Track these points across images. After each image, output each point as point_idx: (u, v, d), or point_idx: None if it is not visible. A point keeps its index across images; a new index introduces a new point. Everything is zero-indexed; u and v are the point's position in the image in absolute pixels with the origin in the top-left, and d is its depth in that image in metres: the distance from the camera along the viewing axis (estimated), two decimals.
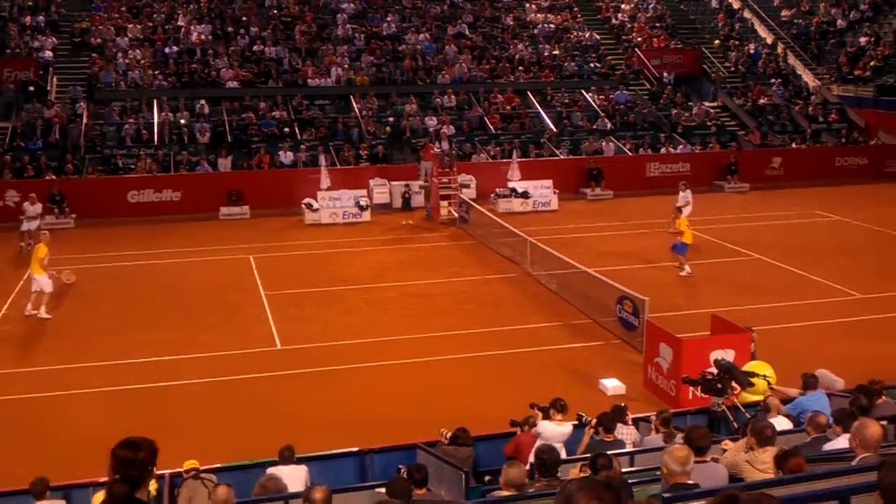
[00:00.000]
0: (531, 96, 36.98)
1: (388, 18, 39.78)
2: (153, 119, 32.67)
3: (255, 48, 36.86)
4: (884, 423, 9.27)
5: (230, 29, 37.78)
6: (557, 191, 30.41)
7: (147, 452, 5.07)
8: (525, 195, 29.88)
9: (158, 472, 10.01)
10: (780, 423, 9.89)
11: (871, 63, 39.07)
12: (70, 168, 29.44)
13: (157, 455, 5.16)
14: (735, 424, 10.64)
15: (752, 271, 21.99)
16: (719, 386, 10.99)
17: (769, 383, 11.99)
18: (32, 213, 24.81)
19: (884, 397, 10.60)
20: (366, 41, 38.32)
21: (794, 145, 36.11)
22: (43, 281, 18.56)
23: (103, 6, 38.29)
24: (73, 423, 13.55)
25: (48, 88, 33.62)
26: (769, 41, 42.94)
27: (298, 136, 32.79)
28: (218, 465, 10.41)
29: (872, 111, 37.62)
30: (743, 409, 11.03)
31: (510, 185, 30.23)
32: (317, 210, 28.12)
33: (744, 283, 20.85)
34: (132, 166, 30.22)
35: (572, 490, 3.24)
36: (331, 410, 13.89)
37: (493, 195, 29.99)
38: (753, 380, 11.57)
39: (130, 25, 37.16)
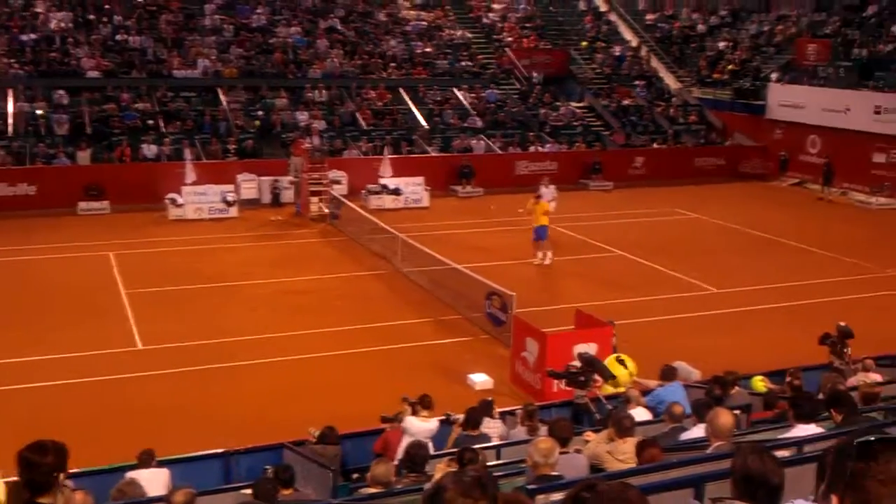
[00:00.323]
0: (403, 93, 36.97)
1: (259, 10, 39.01)
2: (8, 109, 31.07)
3: (118, 37, 35.50)
4: (736, 412, 9.70)
5: (92, 17, 36.25)
6: (429, 188, 30.54)
7: (54, 456, 4.79)
8: (396, 192, 29.89)
9: (6, 480, 9.54)
10: (640, 414, 10.20)
11: (729, 67, 40.80)
12: None
13: (66, 459, 4.90)
14: (597, 416, 10.92)
15: (614, 267, 22.63)
16: (582, 378, 11.26)
17: (631, 374, 12.34)
18: None
19: (737, 388, 11.09)
20: (235, 32, 37.48)
21: (655, 145, 37.34)
22: None
23: None
24: None
25: None
26: (634, 44, 44.27)
27: (163, 129, 31.81)
28: (75, 471, 9.95)
29: (730, 113, 39.29)
30: (605, 401, 11.33)
31: (381, 181, 30.18)
32: (181, 205, 27.34)
33: (606, 279, 21.45)
34: None
35: (444, 483, 3.24)
36: (194, 411, 13.55)
37: (364, 191, 29.84)
38: (619, 369, 11.91)
39: None
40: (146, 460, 9.62)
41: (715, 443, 7.00)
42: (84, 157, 29.46)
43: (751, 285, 20.76)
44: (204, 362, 15.51)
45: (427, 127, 35.03)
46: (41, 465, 4.73)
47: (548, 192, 25.46)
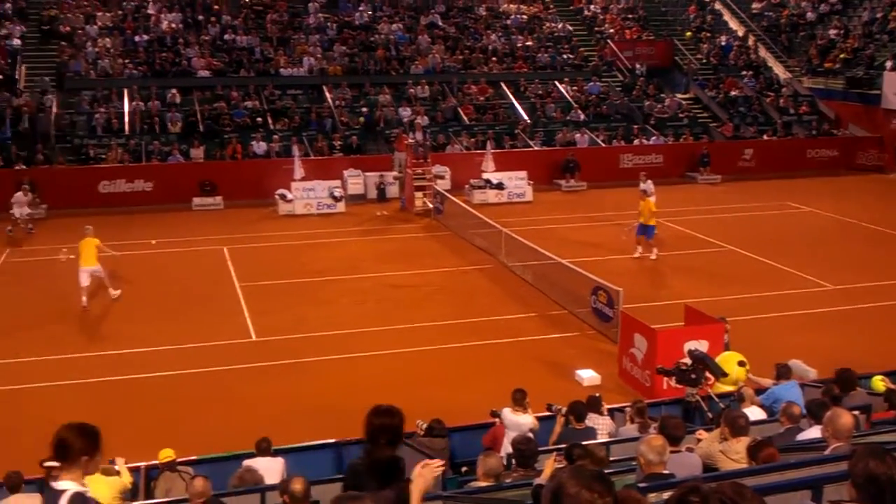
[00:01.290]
0: (505, 87, 36.98)
1: (361, 8, 39.58)
2: (124, 108, 32.34)
3: (226, 37, 36.56)
4: (856, 413, 9.42)
5: (201, 17, 37.43)
6: (532, 182, 30.48)
7: (82, 441, 4.84)
8: (500, 186, 29.92)
9: (132, 465, 9.98)
10: (754, 413, 9.99)
11: (841, 56, 39.43)
12: (40, 158, 29.08)
13: (96, 442, 4.92)
14: (709, 414, 10.73)
15: (724, 262, 22.17)
16: (693, 376, 11.08)
17: (747, 371, 12.09)
18: (24, 201, 25.47)
19: (857, 388, 10.75)
20: (338, 30, 38.13)
21: (765, 137, 36.41)
22: (98, 271, 18.92)
23: None
24: (43, 417, 13.35)
25: (16, 77, 33.13)
26: (740, 33, 43.23)
27: (271, 127, 32.60)
28: (194, 458, 10.37)
29: (842, 103, 38.01)
30: (717, 399, 11.13)
31: (485, 176, 30.27)
32: (291, 201, 28.00)
33: (717, 274, 21.03)
34: (103, 156, 29.92)
35: (563, 478, 3.26)
36: (307, 402, 13.87)
37: (467, 186, 29.99)
38: (733, 367, 11.70)
39: (100, 13, 36.71)
40: (264, 449, 9.91)
41: (833, 444, 6.81)
42: (197, 153, 30.46)
43: (868, 281, 20.07)
44: (315, 354, 15.88)
45: (529, 121, 34.96)
46: (72, 447, 4.79)
47: (646, 186, 25.09)
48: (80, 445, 4.77)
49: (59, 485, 4.74)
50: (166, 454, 9.72)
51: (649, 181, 25.23)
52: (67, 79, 33.20)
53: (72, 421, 4.88)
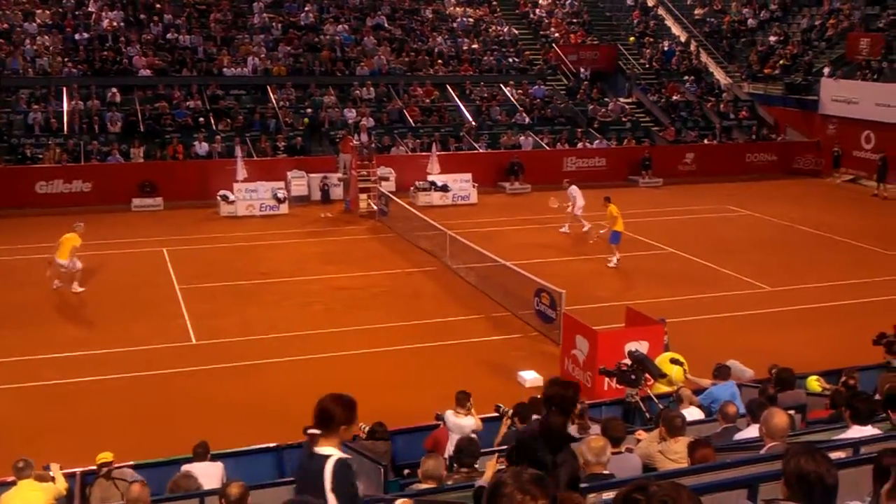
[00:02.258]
0: (450, 90, 37.03)
1: (306, 8, 39.30)
2: (63, 107, 31.70)
3: (168, 36, 36.02)
4: (791, 412, 9.59)
5: (143, 16, 36.82)
6: (477, 184, 30.56)
7: (343, 410, 5.23)
8: (444, 188, 29.95)
9: (68, 471, 9.78)
10: (692, 413, 10.12)
11: (781, 62, 40.21)
12: None
13: (354, 413, 5.33)
14: (648, 415, 10.85)
15: (665, 265, 22.47)
16: (633, 377, 11.19)
17: (685, 372, 12.23)
18: None
19: (794, 388, 10.94)
20: (283, 31, 37.82)
21: (706, 141, 36.99)
22: (68, 264, 19.15)
23: None
24: None
25: None
26: (683, 39, 43.87)
27: (214, 127, 32.22)
28: (132, 463, 10.19)
29: (781, 109, 38.79)
30: (656, 400, 11.26)
31: (429, 178, 30.27)
32: (233, 202, 27.69)
33: (657, 277, 21.30)
34: (40, 156, 29.29)
35: (503, 478, 3.29)
36: (247, 406, 13.73)
37: (412, 188, 29.96)
38: (671, 368, 11.84)
39: (39, 11, 35.88)
40: (201, 454, 9.78)
41: (769, 443, 6.93)
42: (137, 154, 29.98)
43: (805, 283, 20.50)
44: (256, 357, 15.73)
45: (475, 123, 35.05)
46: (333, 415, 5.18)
47: (570, 192, 25.37)
48: (340, 415, 5.19)
49: (321, 450, 5.19)
50: (104, 457, 9.54)
51: (573, 186, 25.48)
52: (4, 77, 32.43)
53: (333, 392, 5.34)
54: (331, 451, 5.15)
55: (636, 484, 3.39)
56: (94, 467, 9.61)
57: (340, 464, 5.10)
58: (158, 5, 37.47)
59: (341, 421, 5.19)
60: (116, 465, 9.58)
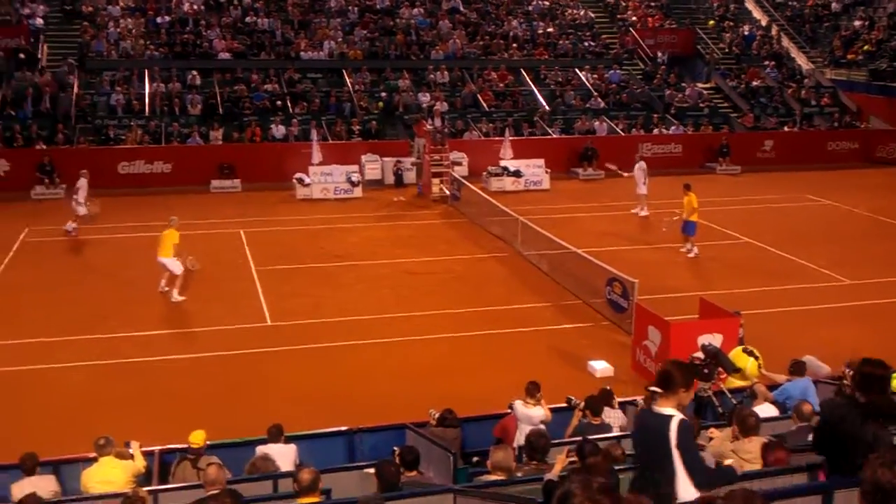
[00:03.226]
0: (525, 74, 36.86)
1: None
2: (144, 89, 32.46)
3: (247, 19, 36.58)
4: None
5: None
6: (549, 170, 30.39)
7: (683, 374, 5.76)
8: (517, 174, 29.85)
9: (147, 449, 10.08)
10: (767, 410, 9.99)
11: (865, 47, 39.07)
12: (60, 138, 29.26)
13: (692, 378, 6.06)
14: (721, 410, 10.73)
15: (741, 255, 22.08)
16: (706, 371, 11.06)
17: (759, 367, 12.04)
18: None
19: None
20: (359, 14, 38.08)
21: (786, 128, 36.16)
22: (170, 264, 18.22)
23: None
24: (61, 397, 13.58)
25: (39, 56, 33.32)
26: (763, 23, 42.87)
27: (290, 110, 32.65)
28: (208, 443, 10.45)
29: (865, 95, 37.69)
30: (729, 395, 11.12)
31: (502, 163, 30.18)
32: (308, 185, 28.05)
33: (733, 267, 20.96)
34: (123, 137, 30.07)
35: (573, 487, 3.30)
36: (321, 388, 13.95)
37: (484, 173, 29.94)
38: (745, 360, 11.67)
39: None
40: (275, 434, 9.98)
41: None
42: (216, 136, 30.57)
43: (886, 276, 19.95)
44: (329, 339, 15.95)
45: (548, 108, 34.83)
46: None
47: (638, 165, 25.41)
48: (680, 378, 5.69)
49: (662, 410, 5.65)
50: (196, 437, 9.55)
51: (641, 161, 25.53)
52: (89, 59, 33.35)
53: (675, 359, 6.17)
54: (672, 412, 5.61)
55: (704, 499, 3.39)
56: (181, 446, 9.83)
57: (684, 423, 5.59)
58: None
59: (680, 384, 5.67)
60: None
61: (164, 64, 33.84)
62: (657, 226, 22.98)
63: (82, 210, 22.91)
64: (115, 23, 35.05)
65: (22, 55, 32.63)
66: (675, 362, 6.01)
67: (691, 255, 21.63)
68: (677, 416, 5.58)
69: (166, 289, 18.39)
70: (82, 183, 23.21)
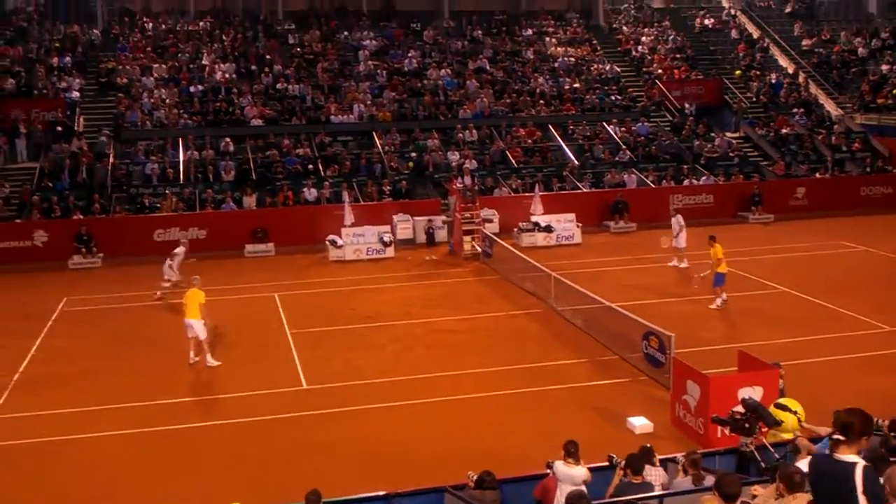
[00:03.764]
0: (553, 129, 37.11)
1: (410, 54, 40.14)
2: (178, 157, 33.05)
3: (278, 86, 37.30)
4: None
5: (254, 67, 38.28)
6: (581, 224, 30.41)
7: (862, 423, 6.14)
8: (548, 229, 29.89)
9: None
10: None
11: (894, 91, 38.93)
12: (97, 207, 29.80)
13: (871, 426, 6.35)
14: (764, 464, 10.53)
15: (778, 304, 21.84)
16: (747, 425, 10.88)
17: (800, 421, 11.83)
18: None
19: None
20: (388, 77, 38.69)
21: (818, 175, 35.97)
22: (198, 326, 18.07)
23: (129, 46, 38.94)
24: (98, 467, 13.62)
25: (75, 129, 34.09)
26: (790, 71, 42.93)
27: (322, 173, 33.06)
28: None
29: None
30: (772, 449, 10.92)
31: (533, 218, 30.25)
32: (341, 246, 28.26)
33: (770, 317, 20.72)
34: (158, 205, 30.55)
35: None
36: (357, 451, 13.88)
37: (516, 229, 30.03)
38: (783, 415, 11.46)
39: (156, 65, 37.74)
40: (314, 501, 9.92)
41: (893, 502, 6.65)
42: (250, 201, 30.95)
43: None
44: (364, 402, 15.91)
45: (577, 163, 34.97)
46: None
47: (675, 220, 25.44)
48: (860, 426, 6.05)
49: (845, 457, 5.95)
50: None
51: (679, 215, 25.58)
52: (124, 129, 34.09)
53: (851, 407, 6.37)
54: (855, 459, 5.85)
55: None
56: None
57: (869, 469, 5.78)
58: (269, 56, 38.87)
59: (861, 431, 5.99)
60: None
61: (198, 132, 34.51)
62: (693, 278, 22.81)
63: (174, 277, 23.48)
64: (149, 93, 35.88)
65: (59, 128, 33.42)
66: (854, 411, 6.24)
67: (713, 305, 21.46)
68: (861, 463, 5.77)
69: (196, 359, 18.24)
70: (180, 251, 24.12)
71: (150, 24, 41.15)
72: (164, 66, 37.82)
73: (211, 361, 18.20)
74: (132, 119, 34.45)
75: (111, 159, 32.45)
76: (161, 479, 13.03)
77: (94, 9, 41.35)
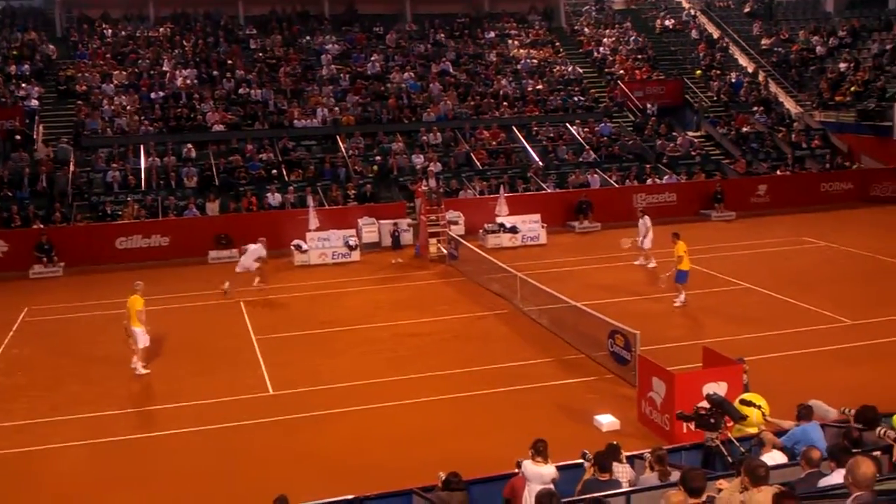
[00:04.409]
0: (516, 131, 37.21)
1: (373, 58, 40.06)
2: (140, 164, 32.71)
3: (240, 91, 37.05)
4: (877, 453, 9.29)
5: (215, 73, 37.98)
6: (545, 224, 30.51)
7: None
8: (514, 230, 29.96)
9: None
10: (775, 457, 9.88)
11: (852, 88, 39.51)
12: (58, 216, 29.39)
13: None
14: (730, 459, 10.60)
15: (742, 301, 22.05)
16: (712, 421, 10.95)
17: (764, 415, 11.93)
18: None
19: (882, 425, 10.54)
20: (351, 81, 38.57)
21: (778, 172, 36.38)
22: (137, 333, 17.96)
23: (88, 53, 38.48)
24: (57, 478, 13.41)
25: (34, 137, 33.63)
26: (750, 70, 43.42)
27: (286, 178, 32.88)
28: None
29: (855, 136, 38.03)
30: (737, 444, 11.00)
31: (498, 220, 30.31)
32: (306, 251, 28.12)
33: (734, 313, 20.91)
34: (120, 213, 30.20)
35: None
36: (326, 456, 13.80)
37: (481, 231, 30.07)
38: (748, 410, 11.55)
39: (116, 72, 37.32)
40: None
41: (855, 493, 6.73)
42: (213, 207, 30.70)
43: (887, 315, 19.89)
44: (332, 406, 15.81)
45: (541, 164, 35.09)
46: None
47: (642, 222, 25.40)
48: None
49: None
50: None
51: (646, 216, 25.55)
52: (84, 137, 33.68)
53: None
54: None
55: None
56: None
57: None
58: (230, 62, 38.60)
59: None
60: None
61: (159, 138, 34.17)
62: (660, 277, 22.95)
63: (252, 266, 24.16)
64: (109, 100, 35.48)
65: (18, 136, 32.93)
66: None
67: (676, 303, 21.62)
68: None
69: (140, 370, 17.99)
70: (254, 247, 24.46)
71: (110, 31, 40.68)
72: (124, 72, 37.41)
73: (140, 370, 17.96)
74: (92, 126, 34.05)
75: (72, 167, 32.03)
76: (125, 490, 12.85)
77: (52, 16, 40.80)
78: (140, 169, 32.49)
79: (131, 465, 13.79)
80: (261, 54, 39.65)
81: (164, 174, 32.43)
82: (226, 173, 32.74)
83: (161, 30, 41.12)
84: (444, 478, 10.57)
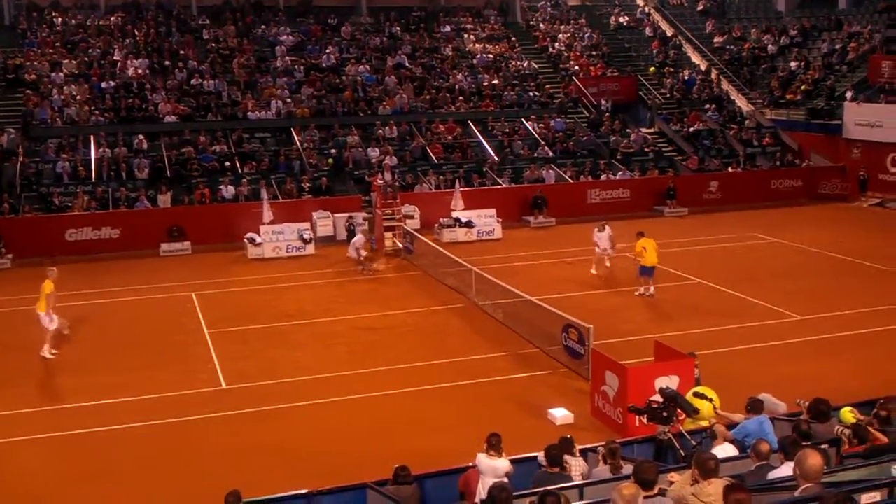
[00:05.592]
0: (472, 126, 37.22)
1: (328, 50, 39.82)
2: (90, 155, 32.17)
3: (193, 82, 36.59)
4: (825, 446, 9.47)
5: (167, 63, 37.45)
6: (501, 219, 30.60)
7: None
8: (469, 224, 30.00)
9: None
10: (726, 450, 10.02)
11: (802, 87, 40.14)
12: (6, 207, 28.79)
13: None
14: (682, 452, 10.73)
15: (694, 295, 22.32)
16: (665, 414, 11.08)
17: (715, 408, 12.09)
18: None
19: (830, 420, 10.74)
20: (305, 73, 38.30)
21: (730, 169, 36.85)
22: (42, 318, 18.10)
23: (37, 42, 37.72)
24: (2, 475, 13.16)
25: None
26: (703, 67, 43.88)
27: (239, 170, 32.56)
28: None
29: (805, 134, 38.64)
30: (689, 437, 11.14)
31: (454, 214, 30.33)
32: (260, 244, 27.88)
33: (686, 308, 21.16)
34: (69, 204, 29.66)
35: None
36: (279, 451, 13.71)
37: (436, 225, 30.06)
38: (700, 402, 11.69)
39: (66, 61, 36.63)
40: (233, 502, 9.76)
41: (804, 485, 6.85)
42: (165, 199, 30.30)
43: (836, 310, 20.29)
44: (286, 400, 15.74)
45: (497, 158, 35.16)
46: None
47: (600, 235, 24.44)
48: None
49: None
50: None
51: (606, 227, 24.40)
52: (33, 127, 33.03)
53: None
54: None
55: None
56: None
57: None
58: (182, 52, 38.10)
59: None
60: None
61: (110, 129, 33.61)
62: (611, 272, 23.11)
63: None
64: (58, 90, 34.82)
65: None
66: None
67: (637, 293, 22.11)
68: None
69: (54, 352, 18.16)
70: (356, 238, 25.95)
71: (59, 19, 39.91)
72: (73, 61, 36.73)
73: (46, 353, 18.06)
74: (42, 116, 33.40)
75: (20, 157, 31.39)
76: (77, 486, 12.66)
77: (0, 4, 39.89)
78: (90, 160, 31.95)
79: (80, 460, 13.58)
80: (214, 45, 39.19)
81: (115, 165, 31.92)
82: (178, 165, 32.32)
83: (112, 18, 40.44)
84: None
